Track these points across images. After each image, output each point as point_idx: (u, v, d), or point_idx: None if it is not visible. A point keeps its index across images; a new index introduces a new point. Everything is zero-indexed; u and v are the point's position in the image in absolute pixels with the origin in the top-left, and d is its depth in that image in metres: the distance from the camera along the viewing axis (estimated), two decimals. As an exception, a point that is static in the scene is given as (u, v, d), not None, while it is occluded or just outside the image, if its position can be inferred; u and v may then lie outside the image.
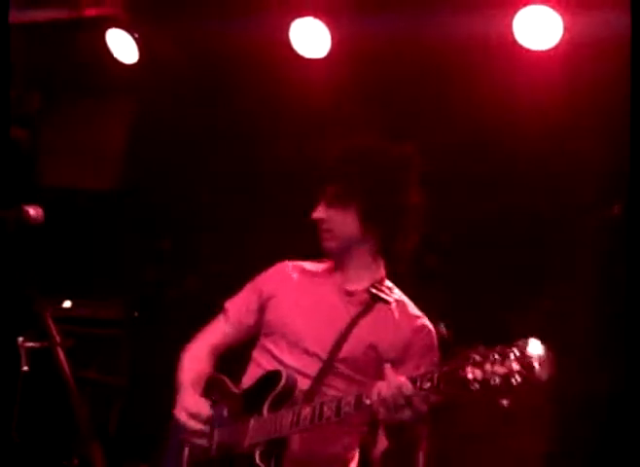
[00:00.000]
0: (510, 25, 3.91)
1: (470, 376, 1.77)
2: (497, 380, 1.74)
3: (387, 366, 1.97)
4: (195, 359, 2.45)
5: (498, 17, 3.99)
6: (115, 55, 4.62)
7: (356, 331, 2.29)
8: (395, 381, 1.90)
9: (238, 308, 2.50)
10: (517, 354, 1.74)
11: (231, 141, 4.95)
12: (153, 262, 5.20)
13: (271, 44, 4.37)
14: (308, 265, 2.49)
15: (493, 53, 4.17)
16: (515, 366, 1.73)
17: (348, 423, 2.21)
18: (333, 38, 4.26)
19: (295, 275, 2.45)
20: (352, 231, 2.28)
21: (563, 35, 3.78)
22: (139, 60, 4.63)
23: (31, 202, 2.21)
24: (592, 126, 4.14)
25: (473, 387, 1.77)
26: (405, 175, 2.31)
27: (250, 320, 2.47)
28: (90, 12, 4.56)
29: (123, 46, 4.61)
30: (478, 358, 1.77)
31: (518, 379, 1.73)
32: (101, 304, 4.71)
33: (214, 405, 2.27)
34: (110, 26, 4.58)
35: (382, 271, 2.40)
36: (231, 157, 4.94)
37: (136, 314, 4.76)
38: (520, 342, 1.76)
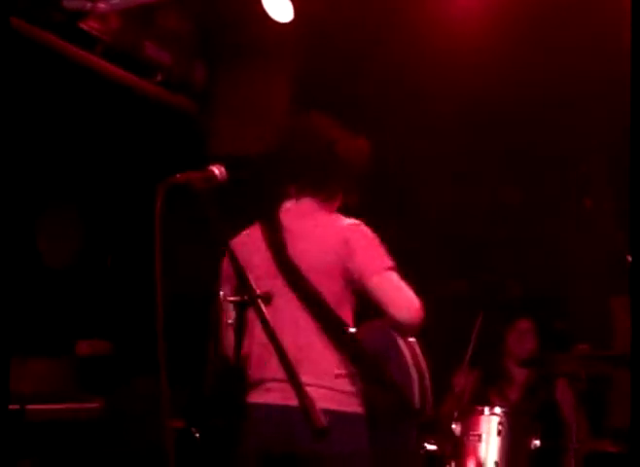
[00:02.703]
0: None
1: None
2: None
3: None
4: None
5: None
6: (271, 16, 4.66)
7: None
8: None
9: None
10: None
11: (396, 95, 4.88)
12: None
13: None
14: None
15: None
16: None
17: None
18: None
19: None
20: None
21: None
22: (295, 19, 4.65)
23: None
24: None
25: None
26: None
27: None
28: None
29: (278, 6, 4.64)
30: None
31: None
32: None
33: None
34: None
35: None
36: (397, 111, 4.90)
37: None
38: None
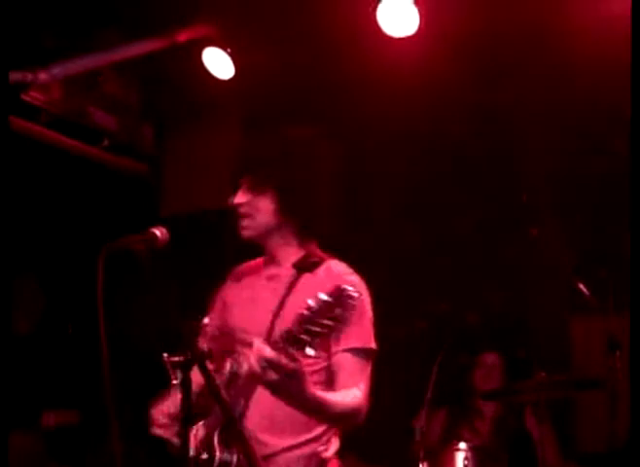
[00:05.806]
0: None
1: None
2: None
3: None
4: None
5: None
6: (213, 74, 4.74)
7: (286, 307, 2.38)
8: (257, 347, 1.99)
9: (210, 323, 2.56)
10: None
11: (343, 132, 4.93)
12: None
13: (359, 25, 4.33)
14: (254, 262, 2.63)
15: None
16: None
17: None
18: (421, 16, 4.18)
19: (240, 275, 2.61)
20: (269, 216, 2.42)
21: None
22: (236, 74, 4.74)
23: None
24: None
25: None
26: (317, 161, 2.48)
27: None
28: (182, 37, 4.68)
29: (219, 63, 4.73)
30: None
31: None
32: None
33: None
34: (203, 46, 4.69)
35: (310, 247, 2.50)
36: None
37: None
38: None
